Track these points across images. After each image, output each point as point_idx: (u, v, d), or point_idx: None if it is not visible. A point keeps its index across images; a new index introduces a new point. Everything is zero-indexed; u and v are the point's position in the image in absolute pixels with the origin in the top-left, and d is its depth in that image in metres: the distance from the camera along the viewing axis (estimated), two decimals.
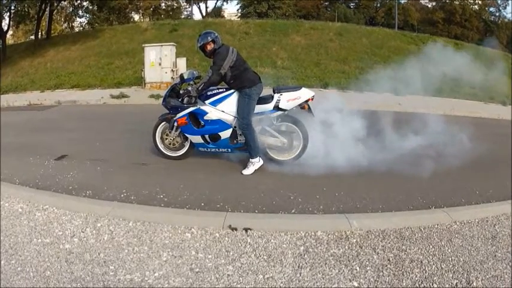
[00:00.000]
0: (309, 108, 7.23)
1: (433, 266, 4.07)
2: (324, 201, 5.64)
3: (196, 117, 7.16)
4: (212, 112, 7.05)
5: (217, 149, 7.34)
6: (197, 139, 7.28)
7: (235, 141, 7.19)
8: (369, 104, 8.67)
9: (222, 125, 7.07)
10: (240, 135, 7.08)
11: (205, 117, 7.07)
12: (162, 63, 19.79)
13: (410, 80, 9.62)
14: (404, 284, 3.78)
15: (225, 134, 7.12)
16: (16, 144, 8.80)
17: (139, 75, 20.71)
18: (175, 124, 7.30)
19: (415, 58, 9.95)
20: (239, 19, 44.27)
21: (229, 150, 7.32)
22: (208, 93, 7.12)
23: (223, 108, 7.04)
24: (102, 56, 26.73)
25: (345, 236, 4.71)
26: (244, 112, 6.86)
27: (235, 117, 7.01)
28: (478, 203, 5.74)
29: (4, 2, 28.70)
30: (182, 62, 20.20)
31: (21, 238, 4.59)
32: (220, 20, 41.61)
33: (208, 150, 7.37)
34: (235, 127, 7.08)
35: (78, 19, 50.91)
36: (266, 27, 32.07)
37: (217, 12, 56.86)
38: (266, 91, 7.19)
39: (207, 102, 7.10)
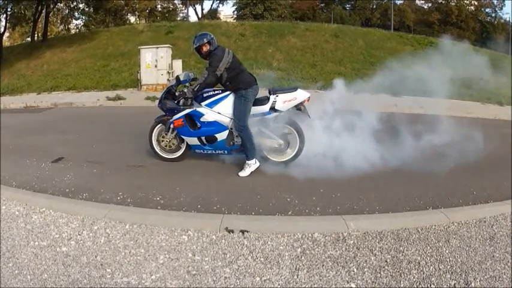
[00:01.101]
0: (305, 109, 7.23)
1: (431, 267, 4.06)
2: (320, 202, 5.64)
3: (192, 119, 7.16)
4: (208, 114, 7.04)
5: (213, 151, 7.33)
6: (193, 141, 7.27)
7: (231, 143, 7.18)
8: (365, 105, 8.61)
9: (218, 126, 7.07)
10: (237, 136, 7.08)
11: (202, 119, 7.07)
12: (158, 65, 19.83)
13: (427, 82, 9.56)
14: (402, 285, 3.77)
15: (222, 136, 7.12)
16: (13, 146, 8.78)
17: (135, 77, 20.75)
18: (172, 126, 7.30)
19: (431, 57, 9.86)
20: (235, 21, 44.32)
21: (226, 152, 7.31)
22: (205, 95, 7.12)
23: (220, 110, 7.03)
24: (98, 58, 26.77)
25: (342, 238, 4.70)
26: (240, 114, 6.86)
27: (231, 118, 7.01)
28: (475, 204, 5.75)
29: (0, 3, 28.66)
30: (178, 64, 20.24)
31: (18, 241, 4.57)
32: (216, 21, 41.74)
33: (205, 152, 7.36)
34: (231, 129, 7.07)
35: (74, 21, 50.91)
36: (262, 29, 32.14)
37: (213, 14, 56.98)
38: (262, 92, 7.19)
39: (203, 104, 7.09)
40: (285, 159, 7.30)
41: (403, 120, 8.47)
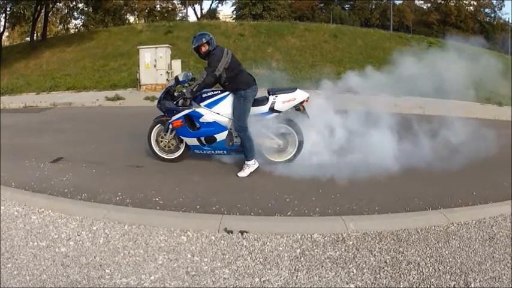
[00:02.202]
0: (304, 109, 7.23)
1: (431, 268, 4.06)
2: (320, 203, 5.63)
3: (191, 120, 7.15)
4: (207, 114, 7.03)
5: (212, 151, 7.32)
6: (193, 141, 7.26)
7: (230, 143, 7.17)
8: (365, 105, 8.55)
9: (217, 127, 7.06)
10: (236, 137, 7.07)
11: (201, 120, 7.06)
12: (157, 65, 19.79)
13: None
14: (401, 286, 3.77)
15: (221, 136, 7.11)
16: (12, 146, 8.76)
17: (135, 77, 20.71)
18: (171, 127, 7.29)
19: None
20: (234, 21, 44.31)
21: (225, 152, 7.30)
22: (204, 95, 7.11)
23: (219, 111, 7.03)
24: (97, 57, 26.76)
25: (342, 238, 4.70)
26: (239, 114, 6.86)
27: (230, 119, 7.00)
28: (475, 204, 5.74)
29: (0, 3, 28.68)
30: (177, 64, 20.19)
31: (17, 241, 4.58)
32: (215, 21, 41.71)
33: (204, 152, 7.35)
34: (230, 129, 7.06)
35: (73, 21, 50.91)
36: (261, 28, 32.13)
37: (212, 14, 56.88)
38: (261, 93, 7.18)
39: (202, 104, 7.08)
40: (284, 159, 7.31)
41: (403, 120, 8.43)
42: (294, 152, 7.27)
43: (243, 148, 6.99)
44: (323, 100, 7.96)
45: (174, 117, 7.18)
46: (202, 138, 7.17)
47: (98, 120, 13.12)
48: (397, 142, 7.73)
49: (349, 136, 7.62)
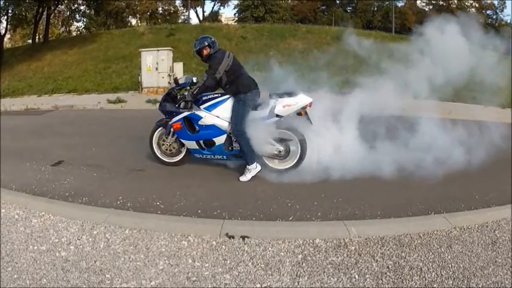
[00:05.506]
0: (306, 114, 7.08)
1: (433, 273, 4.03)
2: (322, 208, 5.60)
3: (191, 122, 7.12)
4: (206, 117, 6.99)
5: (212, 156, 7.25)
6: (192, 144, 7.22)
7: (230, 148, 7.12)
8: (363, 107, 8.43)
9: (216, 130, 7.00)
10: (235, 141, 7.02)
11: (200, 122, 7.03)
12: (158, 67, 19.85)
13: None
14: None
15: (220, 140, 7.04)
16: (13, 149, 8.78)
17: (136, 80, 20.75)
18: (171, 129, 7.27)
19: None
20: (236, 23, 44.37)
21: (225, 157, 7.22)
22: (204, 98, 7.08)
23: (218, 114, 6.97)
24: (99, 60, 26.85)
25: (344, 244, 4.67)
26: (237, 118, 6.80)
27: (230, 123, 6.96)
28: (477, 208, 5.70)
29: (1, 5, 28.75)
30: (179, 67, 20.24)
31: (17, 245, 4.57)
32: (217, 24, 41.87)
33: (204, 156, 7.30)
34: (230, 133, 7.03)
35: (75, 23, 51.05)
36: (263, 31, 32.23)
37: (214, 16, 56.99)
38: (264, 96, 7.13)
39: (202, 107, 7.05)
40: (285, 167, 7.13)
41: (403, 123, 8.36)
42: (295, 160, 7.08)
43: (242, 153, 6.95)
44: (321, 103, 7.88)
45: (174, 119, 7.18)
46: (201, 142, 7.12)
47: (100, 123, 13.14)
48: (396, 145, 7.69)
49: (349, 140, 7.56)
